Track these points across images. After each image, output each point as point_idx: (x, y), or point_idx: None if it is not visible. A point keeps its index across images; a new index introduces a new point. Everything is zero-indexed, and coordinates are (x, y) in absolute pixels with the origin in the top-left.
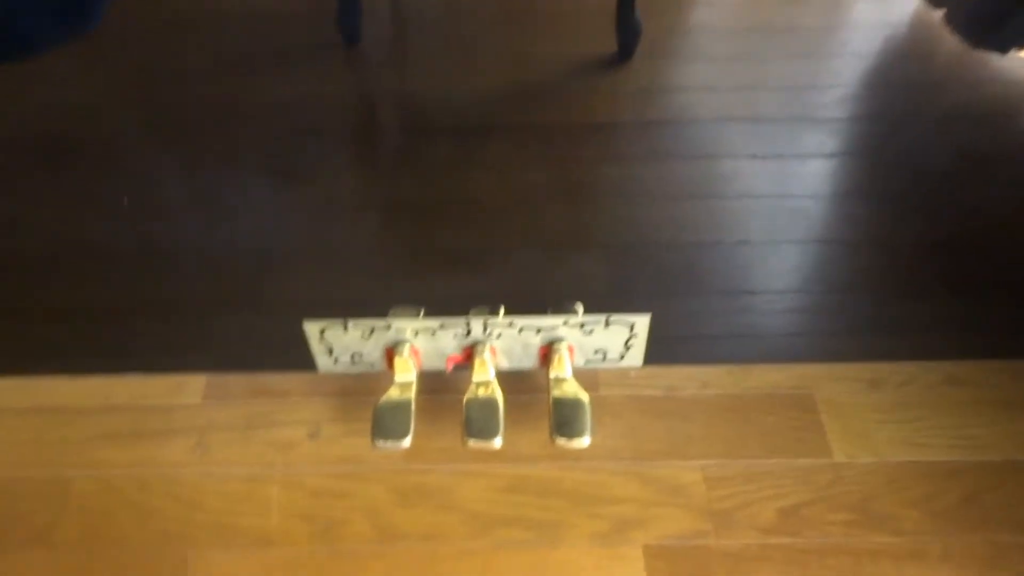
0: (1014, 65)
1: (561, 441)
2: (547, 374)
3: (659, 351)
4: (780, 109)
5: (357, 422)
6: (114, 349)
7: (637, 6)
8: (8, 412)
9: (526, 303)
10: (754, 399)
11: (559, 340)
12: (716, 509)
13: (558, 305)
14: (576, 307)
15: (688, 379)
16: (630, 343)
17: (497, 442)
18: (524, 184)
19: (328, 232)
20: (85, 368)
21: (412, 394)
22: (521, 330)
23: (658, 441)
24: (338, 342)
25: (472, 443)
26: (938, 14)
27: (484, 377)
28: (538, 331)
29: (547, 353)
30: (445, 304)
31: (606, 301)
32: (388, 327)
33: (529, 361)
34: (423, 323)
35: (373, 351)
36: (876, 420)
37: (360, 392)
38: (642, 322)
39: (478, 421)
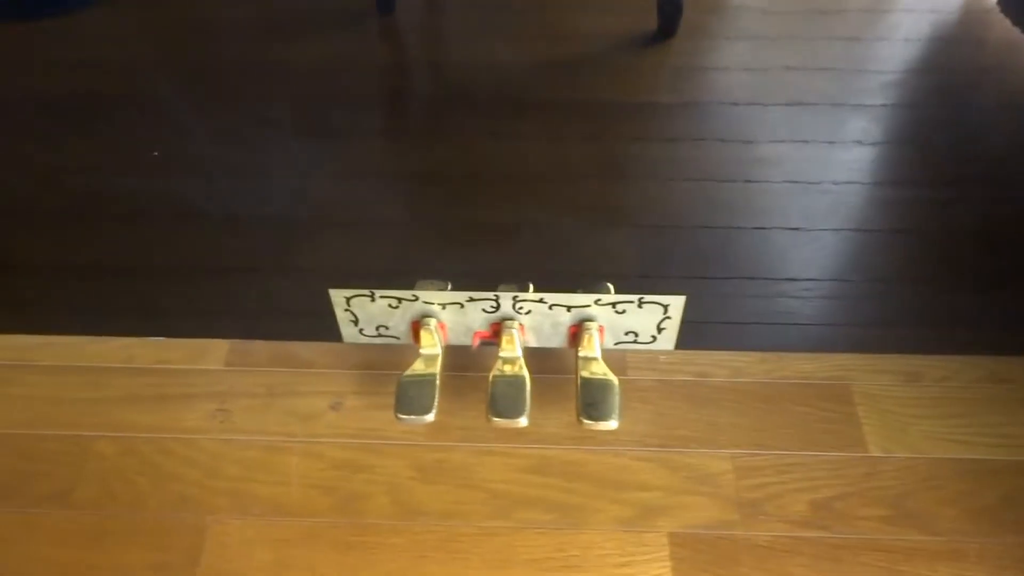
0: None
1: (588, 423)
2: (575, 354)
3: (690, 335)
4: (823, 93)
5: (380, 395)
6: (138, 311)
7: None
8: (31, 370)
9: (554, 280)
10: (787, 388)
11: (590, 319)
12: (745, 499)
13: (588, 283)
14: (606, 286)
15: (719, 365)
16: (663, 325)
17: (523, 421)
18: (558, 160)
19: (357, 200)
20: (108, 329)
21: (437, 368)
22: (552, 307)
23: (687, 427)
24: (364, 312)
25: (497, 421)
26: None
27: (511, 354)
28: (569, 309)
29: (576, 332)
30: (471, 277)
31: (637, 282)
32: (415, 299)
33: (558, 340)
34: (451, 296)
35: (400, 323)
36: (914, 415)
37: (384, 366)
38: (676, 304)
39: (504, 399)
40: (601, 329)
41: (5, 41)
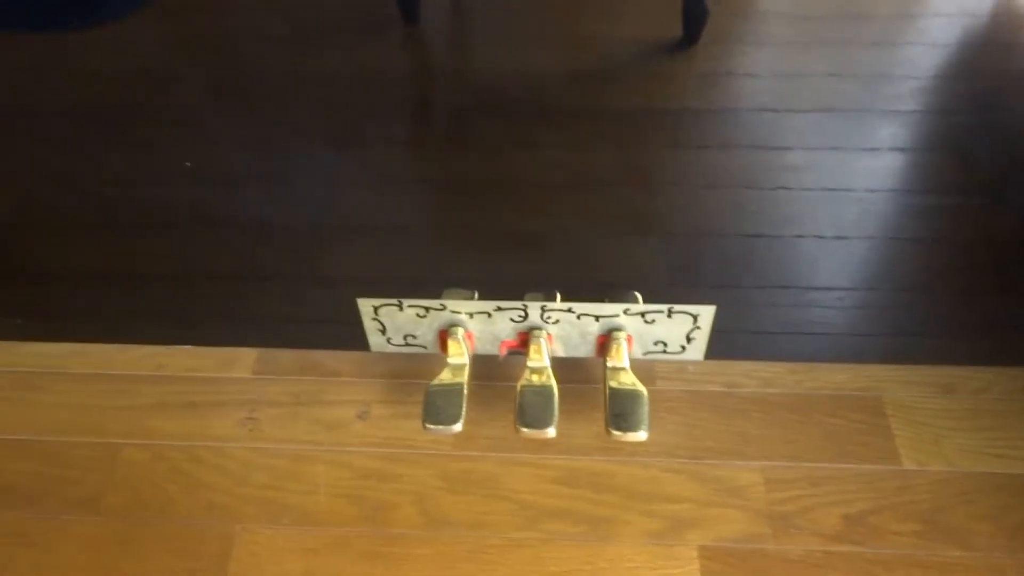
0: None
1: (617, 433)
2: (603, 364)
3: (719, 346)
4: (852, 99)
5: (407, 405)
6: (167, 319)
7: None
8: (61, 377)
9: (581, 289)
10: (818, 400)
11: (618, 329)
12: (776, 512)
13: (616, 293)
14: (634, 296)
15: (749, 376)
16: (692, 335)
17: (551, 431)
18: (584, 168)
19: (384, 209)
20: (139, 337)
21: (464, 378)
22: (580, 317)
23: (716, 439)
24: (392, 321)
25: (525, 431)
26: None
27: (539, 363)
28: (597, 319)
29: (604, 342)
30: (497, 287)
31: (664, 291)
32: (443, 308)
33: (586, 349)
34: (479, 306)
35: (427, 332)
36: (948, 427)
37: (411, 375)
38: (707, 313)
39: (532, 408)
40: (630, 339)
41: (39, 52)
